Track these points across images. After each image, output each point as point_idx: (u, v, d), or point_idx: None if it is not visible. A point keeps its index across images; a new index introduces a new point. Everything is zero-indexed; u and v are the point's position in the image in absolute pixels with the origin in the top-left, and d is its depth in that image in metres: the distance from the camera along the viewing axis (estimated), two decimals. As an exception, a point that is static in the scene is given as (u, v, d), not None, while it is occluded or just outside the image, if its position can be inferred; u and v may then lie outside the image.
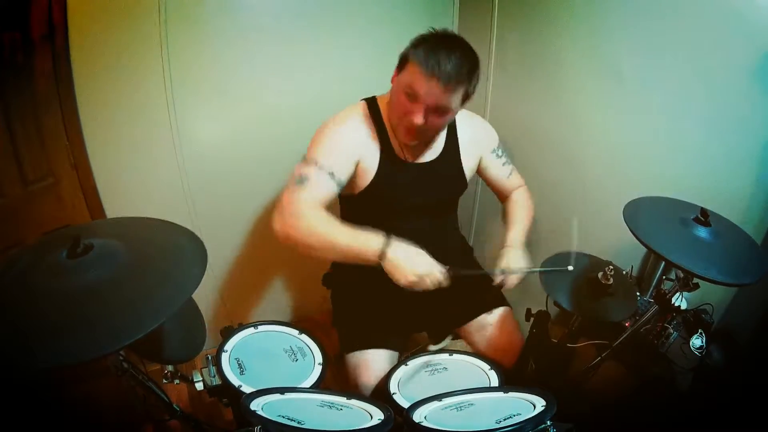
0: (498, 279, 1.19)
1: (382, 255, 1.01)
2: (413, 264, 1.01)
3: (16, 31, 1.29)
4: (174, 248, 0.83)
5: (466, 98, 1.11)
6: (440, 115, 1.09)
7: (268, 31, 1.58)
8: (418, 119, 1.06)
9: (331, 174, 1.11)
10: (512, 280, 1.19)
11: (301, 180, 1.09)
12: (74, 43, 1.34)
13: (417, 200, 1.25)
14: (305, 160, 1.14)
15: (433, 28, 1.11)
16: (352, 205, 1.25)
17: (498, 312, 1.32)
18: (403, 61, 1.09)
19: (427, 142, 1.23)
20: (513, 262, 1.22)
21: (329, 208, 1.12)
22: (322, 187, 1.10)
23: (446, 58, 1.02)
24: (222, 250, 1.83)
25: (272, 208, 1.82)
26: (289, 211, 1.06)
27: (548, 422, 0.81)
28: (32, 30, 1.31)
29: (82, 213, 1.55)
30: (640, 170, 1.34)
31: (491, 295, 1.33)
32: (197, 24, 1.48)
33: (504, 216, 1.42)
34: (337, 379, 1.50)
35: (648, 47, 1.24)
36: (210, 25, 1.50)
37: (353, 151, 1.16)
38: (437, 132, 1.20)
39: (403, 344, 1.32)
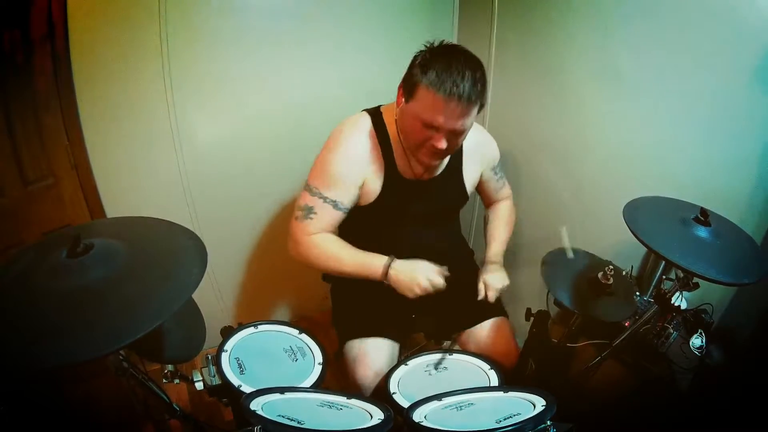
0: (480, 295, 1.25)
1: (384, 276, 1.15)
2: (413, 281, 1.13)
3: (16, 30, 1.29)
4: (174, 248, 0.83)
5: (480, 109, 1.07)
6: (461, 135, 1.08)
7: (268, 32, 1.58)
8: (441, 145, 1.05)
9: (335, 203, 1.17)
10: (492, 294, 1.25)
11: (306, 212, 1.18)
12: (74, 43, 1.34)
13: (418, 211, 1.26)
14: (309, 189, 1.19)
15: (429, 43, 1.07)
16: (356, 216, 1.26)
17: (494, 321, 1.32)
18: (411, 87, 1.03)
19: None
20: (492, 278, 1.28)
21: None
22: (327, 216, 1.18)
23: (460, 78, 0.98)
24: (222, 250, 1.83)
25: (272, 207, 1.85)
26: (300, 244, 1.19)
27: (548, 422, 0.81)
28: (32, 30, 1.31)
29: (82, 213, 1.55)
30: (640, 170, 1.34)
31: (487, 305, 1.33)
32: (197, 24, 1.48)
33: (486, 226, 1.46)
34: (337, 378, 1.50)
35: (648, 47, 1.24)
36: (210, 25, 1.50)
37: (356, 177, 1.17)
38: (457, 148, 1.18)
39: (401, 336, 1.32)
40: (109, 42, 1.38)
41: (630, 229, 0.93)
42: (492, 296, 1.25)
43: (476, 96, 1.01)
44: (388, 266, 1.15)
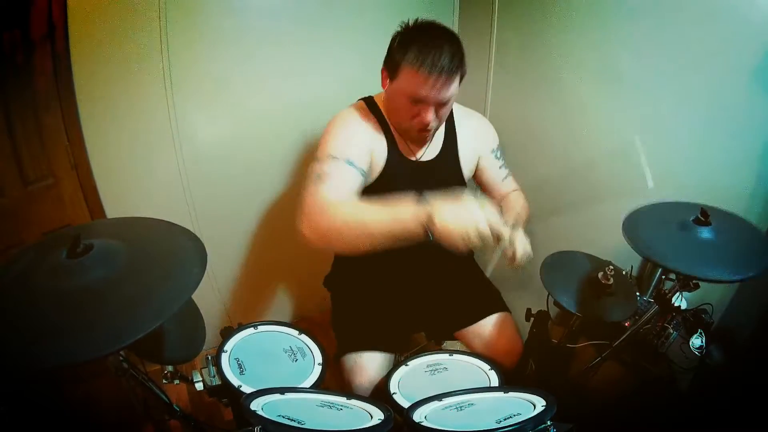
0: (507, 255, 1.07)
1: (429, 224, 0.88)
2: (464, 234, 0.87)
3: (16, 30, 1.29)
4: (174, 249, 0.82)
5: (462, 78, 1.11)
6: (446, 105, 1.12)
7: (267, 32, 1.58)
8: (429, 117, 1.09)
9: (350, 162, 1.07)
10: (520, 249, 1.06)
11: (318, 176, 1.04)
12: (74, 43, 1.34)
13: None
14: (318, 159, 1.09)
15: (404, 23, 1.13)
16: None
17: (497, 317, 1.32)
18: (395, 68, 1.08)
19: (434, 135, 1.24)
20: (518, 239, 1.07)
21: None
22: (343, 176, 1.05)
23: (438, 53, 1.02)
24: (222, 250, 1.83)
25: (272, 207, 1.85)
26: (313, 210, 0.99)
27: (548, 422, 0.81)
28: (32, 30, 1.31)
29: (82, 213, 1.55)
30: (640, 170, 1.34)
31: (490, 300, 1.33)
32: (197, 24, 1.48)
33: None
34: (337, 379, 1.50)
35: (648, 46, 1.24)
36: (210, 25, 1.50)
37: (367, 141, 1.16)
38: (445, 119, 1.19)
39: (400, 347, 1.32)
40: (109, 42, 1.38)
41: (629, 244, 0.94)
42: (520, 253, 1.05)
43: (455, 67, 1.05)
44: (431, 218, 0.88)
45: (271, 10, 1.57)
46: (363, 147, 1.14)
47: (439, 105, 1.09)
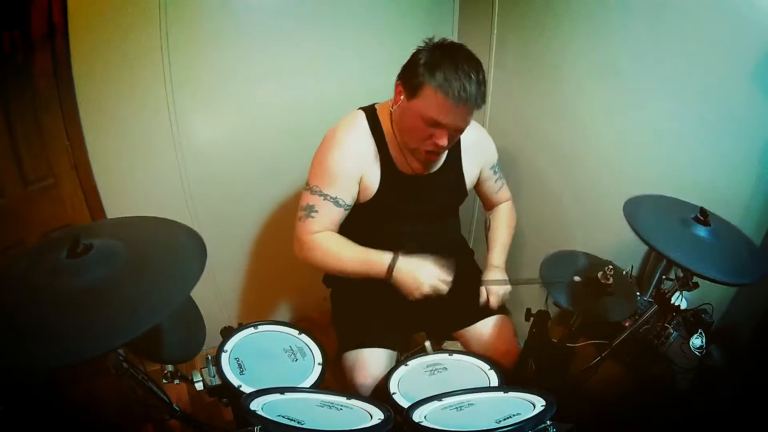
0: (482, 299, 1.26)
1: (388, 275, 1.12)
2: (417, 285, 1.10)
3: (16, 30, 1.29)
4: (174, 246, 0.82)
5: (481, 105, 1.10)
6: (461, 132, 1.11)
7: (268, 32, 1.58)
8: (444, 141, 1.07)
9: (336, 200, 1.16)
10: (494, 299, 1.26)
11: (308, 211, 1.17)
12: (74, 43, 1.34)
13: (417, 208, 1.26)
14: (309, 188, 1.19)
15: (429, 39, 1.09)
16: (355, 215, 1.26)
17: (495, 319, 1.32)
18: (415, 86, 1.04)
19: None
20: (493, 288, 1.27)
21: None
22: (328, 214, 1.17)
23: (468, 80, 1.00)
24: (222, 250, 1.83)
25: (272, 207, 1.85)
26: (303, 244, 1.18)
27: (548, 422, 0.81)
28: (32, 30, 1.31)
29: (82, 213, 1.55)
30: (640, 170, 1.34)
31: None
32: (197, 24, 1.48)
33: (487, 230, 1.45)
34: (337, 379, 1.50)
35: (647, 47, 1.24)
36: (210, 25, 1.50)
37: (355, 172, 1.17)
38: (453, 143, 1.18)
39: (401, 344, 1.32)
40: (109, 42, 1.38)
41: (630, 227, 0.93)
42: (494, 302, 1.26)
43: (481, 98, 1.04)
44: (392, 266, 1.12)
45: (271, 10, 1.57)
46: (351, 180, 1.17)
47: (456, 131, 1.09)
